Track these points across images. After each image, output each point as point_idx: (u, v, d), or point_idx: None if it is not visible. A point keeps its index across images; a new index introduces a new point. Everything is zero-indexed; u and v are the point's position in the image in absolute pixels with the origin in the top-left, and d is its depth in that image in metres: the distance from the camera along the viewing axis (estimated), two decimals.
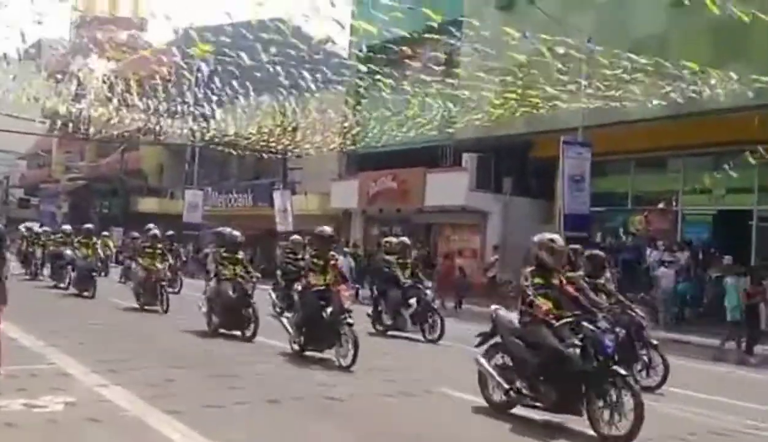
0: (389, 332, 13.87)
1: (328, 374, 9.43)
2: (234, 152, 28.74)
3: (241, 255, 13.31)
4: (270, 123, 26.80)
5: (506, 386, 7.44)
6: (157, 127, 29.52)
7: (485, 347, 7.96)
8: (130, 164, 44.49)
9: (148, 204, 43.32)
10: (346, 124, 25.82)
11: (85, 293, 18.65)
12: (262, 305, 13.35)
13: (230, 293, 12.49)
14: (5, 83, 23.64)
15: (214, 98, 25.75)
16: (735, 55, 16.02)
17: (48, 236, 25.37)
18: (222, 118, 27.86)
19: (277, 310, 14.37)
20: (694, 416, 8.26)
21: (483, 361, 7.77)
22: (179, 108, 30.05)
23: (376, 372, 9.66)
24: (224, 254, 13.16)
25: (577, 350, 6.91)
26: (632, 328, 9.36)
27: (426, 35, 13.03)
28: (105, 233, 29.55)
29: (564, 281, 7.54)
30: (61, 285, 20.77)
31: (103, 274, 22.81)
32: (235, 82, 21.87)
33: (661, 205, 20.08)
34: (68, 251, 21.02)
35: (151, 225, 19.13)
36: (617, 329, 7.87)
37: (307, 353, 10.51)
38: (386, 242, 15.60)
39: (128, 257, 25.48)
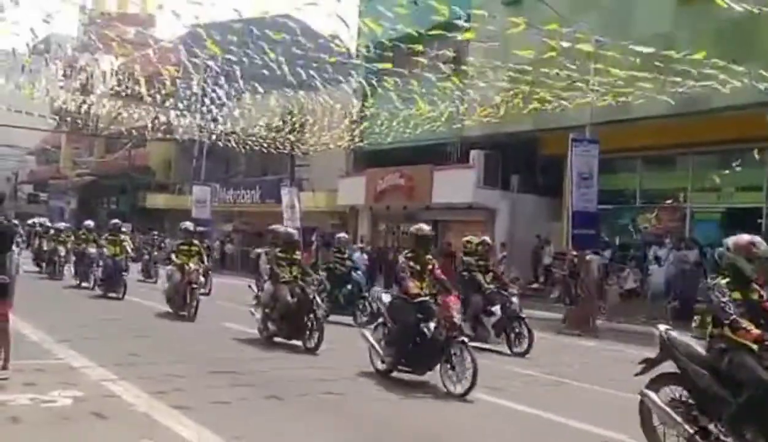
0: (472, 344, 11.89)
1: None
2: (242, 149, 28.73)
3: (298, 255, 12.03)
4: (278, 120, 26.84)
5: (690, 430, 5.91)
6: (165, 124, 29.56)
7: (651, 377, 6.33)
8: (138, 160, 44.60)
9: (156, 200, 43.43)
10: (353, 121, 25.83)
11: (112, 294, 17.66)
12: None
13: (289, 298, 11.23)
14: (14, 79, 23.66)
15: (222, 94, 25.79)
16: (742, 52, 15.92)
17: (69, 233, 24.23)
18: (229, 114, 27.90)
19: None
20: None
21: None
22: (187, 104, 30.09)
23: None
24: (279, 254, 11.89)
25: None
26: None
27: (433, 32, 12.97)
28: (123, 229, 29.08)
29: (766, 296, 6.10)
30: (86, 285, 19.97)
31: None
32: (242, 79, 21.87)
33: (669, 202, 20.04)
34: (92, 249, 20.27)
35: (188, 223, 16.94)
36: None
37: (400, 375, 9.02)
38: (466, 241, 13.47)
39: (150, 255, 25.25)
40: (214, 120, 29.49)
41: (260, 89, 21.64)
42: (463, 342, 8.31)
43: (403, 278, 9.04)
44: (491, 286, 12.35)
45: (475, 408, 7.85)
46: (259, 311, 11.86)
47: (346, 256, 15.56)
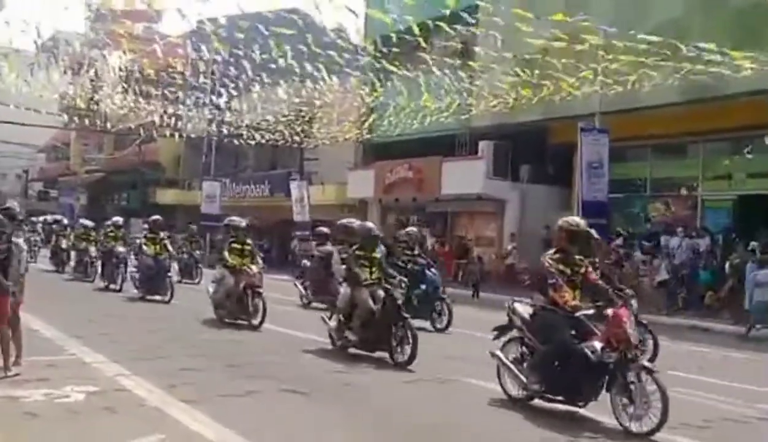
0: None
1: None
2: (250, 143, 28.76)
3: (378, 254, 10.51)
4: (286, 113, 26.84)
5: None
6: (174, 119, 29.61)
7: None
8: (148, 156, 44.71)
9: (166, 196, 43.55)
10: (361, 114, 25.80)
11: (156, 297, 16.12)
12: None
13: (371, 303, 9.76)
14: (23, 77, 23.69)
15: (230, 89, 25.78)
16: (753, 39, 15.79)
17: (96, 230, 22.23)
18: (237, 108, 27.92)
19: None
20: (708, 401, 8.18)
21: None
22: (195, 99, 30.15)
23: None
24: (358, 253, 10.30)
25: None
26: None
27: (441, 23, 12.91)
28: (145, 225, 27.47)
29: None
30: (113, 287, 18.50)
31: None
32: (250, 73, 21.85)
33: (682, 192, 19.93)
34: (121, 248, 19.14)
35: (236, 218, 14.78)
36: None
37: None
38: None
39: (190, 254, 22.84)
40: (222, 113, 29.50)
41: (268, 83, 21.58)
42: (645, 367, 6.76)
43: (554, 285, 7.15)
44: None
45: None
46: (334, 319, 10.36)
47: (416, 253, 13.71)
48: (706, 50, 13.33)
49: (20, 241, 8.54)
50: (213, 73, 32.40)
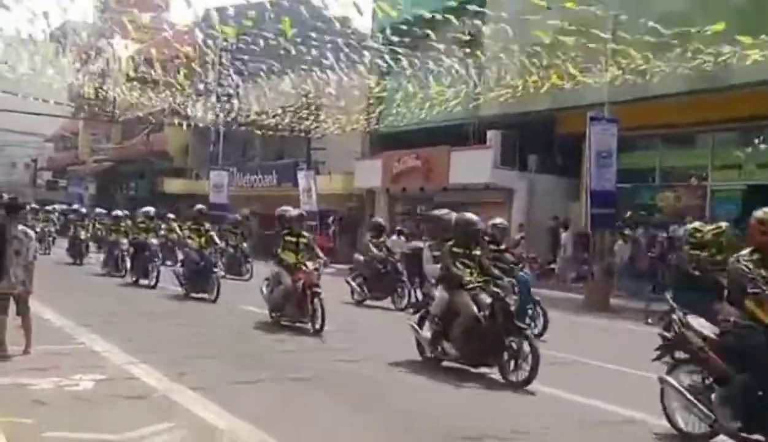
0: None
1: None
2: (258, 132, 28.75)
3: (479, 252, 8.94)
4: (293, 103, 26.80)
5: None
6: (182, 108, 29.63)
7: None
8: (156, 145, 44.76)
9: (174, 185, 43.60)
10: (369, 104, 25.74)
11: (201, 295, 14.69)
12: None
13: (475, 309, 8.28)
14: (31, 66, 23.69)
15: (238, 78, 25.77)
16: (763, 27, 15.65)
17: (126, 220, 20.84)
18: (245, 97, 27.89)
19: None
20: None
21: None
22: (203, 88, 30.13)
23: None
24: (456, 250, 8.78)
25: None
26: None
27: (448, 14, 12.84)
28: (171, 215, 25.94)
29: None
30: (144, 282, 17.17)
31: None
32: (258, 62, 21.83)
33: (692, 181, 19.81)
34: (154, 240, 18.24)
35: (289, 208, 13.17)
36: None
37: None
38: (695, 230, 10.35)
39: (236, 247, 21.14)
40: (230, 102, 29.47)
41: (276, 72, 21.51)
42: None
43: (757, 296, 5.60)
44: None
45: None
46: (427, 328, 8.92)
47: (503, 247, 11.96)
48: (715, 39, 13.21)
49: (27, 229, 8.56)
50: (221, 61, 32.38)
